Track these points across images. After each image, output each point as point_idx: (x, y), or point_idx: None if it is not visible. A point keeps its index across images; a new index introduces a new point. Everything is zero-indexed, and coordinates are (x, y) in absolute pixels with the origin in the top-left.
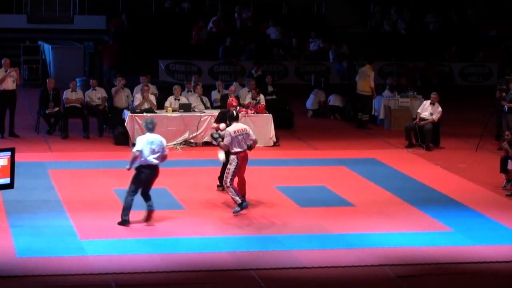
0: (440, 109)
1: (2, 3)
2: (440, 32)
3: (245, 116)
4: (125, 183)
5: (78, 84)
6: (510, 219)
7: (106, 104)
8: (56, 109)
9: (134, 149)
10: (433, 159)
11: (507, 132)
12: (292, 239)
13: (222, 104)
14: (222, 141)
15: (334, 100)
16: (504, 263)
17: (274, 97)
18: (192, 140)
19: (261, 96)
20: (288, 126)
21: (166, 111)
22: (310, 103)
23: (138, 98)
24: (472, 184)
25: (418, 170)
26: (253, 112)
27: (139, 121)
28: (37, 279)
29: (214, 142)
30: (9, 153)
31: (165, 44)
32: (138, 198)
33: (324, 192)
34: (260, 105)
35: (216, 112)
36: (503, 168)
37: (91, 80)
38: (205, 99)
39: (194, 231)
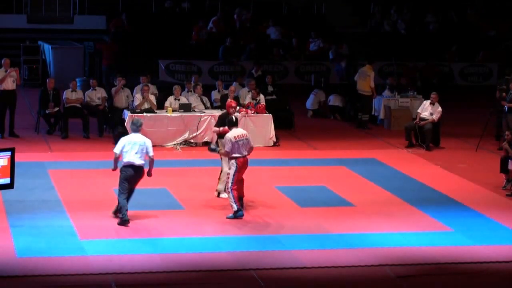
0: (440, 109)
1: (2, 3)
2: (440, 32)
3: (245, 116)
4: None
5: (78, 84)
6: (510, 219)
7: (106, 104)
8: (56, 109)
9: (114, 149)
10: (433, 159)
11: (507, 132)
12: (292, 239)
13: (222, 104)
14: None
15: (334, 100)
16: (504, 263)
17: (274, 97)
18: (192, 140)
19: (261, 96)
20: (288, 126)
21: (166, 111)
22: (310, 103)
23: (138, 98)
24: (472, 184)
25: (418, 170)
26: (253, 112)
27: None
28: (37, 279)
29: (215, 153)
30: (9, 153)
31: (165, 44)
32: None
33: (324, 192)
34: (260, 105)
35: (216, 112)
36: (503, 168)
37: (91, 80)
38: (205, 99)
39: (194, 231)
